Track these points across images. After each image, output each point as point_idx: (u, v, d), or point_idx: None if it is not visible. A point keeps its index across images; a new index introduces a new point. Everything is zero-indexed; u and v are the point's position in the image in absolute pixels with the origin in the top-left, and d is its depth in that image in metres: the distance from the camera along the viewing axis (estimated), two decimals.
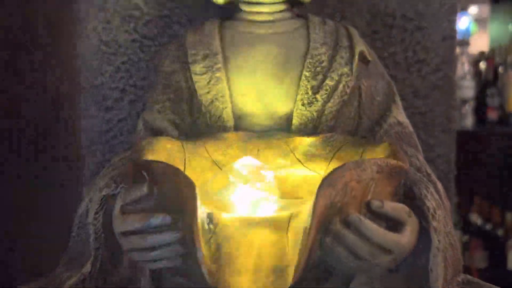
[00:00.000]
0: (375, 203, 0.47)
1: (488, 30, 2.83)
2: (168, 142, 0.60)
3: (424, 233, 0.52)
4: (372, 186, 0.47)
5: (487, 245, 2.03)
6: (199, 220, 0.45)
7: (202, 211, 0.47)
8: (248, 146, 0.64)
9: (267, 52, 0.67)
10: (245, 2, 0.70)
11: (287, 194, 0.57)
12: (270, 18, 0.70)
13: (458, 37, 0.96)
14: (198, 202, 0.45)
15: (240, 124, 0.66)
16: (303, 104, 0.65)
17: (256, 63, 0.66)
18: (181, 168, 0.60)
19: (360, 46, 0.68)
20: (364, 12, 0.86)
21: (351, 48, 0.68)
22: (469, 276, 0.60)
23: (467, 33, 2.53)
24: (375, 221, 0.47)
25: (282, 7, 0.70)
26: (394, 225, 0.49)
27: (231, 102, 0.65)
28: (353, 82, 0.66)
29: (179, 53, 0.70)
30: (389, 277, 0.54)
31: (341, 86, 0.66)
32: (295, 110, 0.65)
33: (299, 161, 0.63)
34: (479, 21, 2.86)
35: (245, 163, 0.57)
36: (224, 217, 0.48)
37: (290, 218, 0.46)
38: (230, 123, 0.65)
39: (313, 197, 0.45)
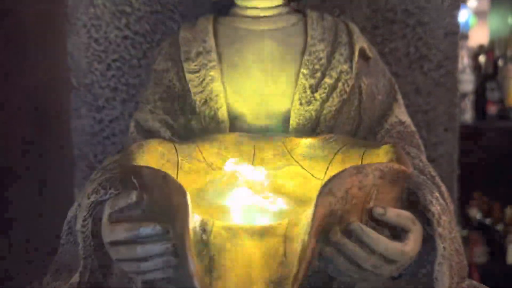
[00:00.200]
0: (378, 211, 0.45)
1: (487, 22, 2.81)
2: (160, 144, 0.58)
3: (428, 239, 0.50)
4: (374, 193, 0.45)
5: (487, 240, 2.02)
6: (191, 230, 0.43)
7: (194, 220, 0.44)
8: (244, 148, 0.62)
9: (263, 49, 0.65)
10: None
11: (284, 198, 0.55)
12: (266, 13, 0.67)
13: None
14: (190, 211, 0.43)
15: (236, 124, 0.64)
16: (301, 104, 0.62)
17: (251, 60, 0.65)
18: (174, 171, 0.58)
19: (360, 42, 0.66)
20: (364, 6, 0.84)
21: (351, 44, 0.66)
22: (474, 282, 0.58)
23: (466, 26, 2.51)
24: (377, 229, 0.45)
25: (279, 1, 0.68)
26: (397, 232, 0.46)
27: (226, 101, 0.63)
28: (353, 80, 0.64)
29: (172, 50, 0.68)
30: (391, 283, 0.52)
31: (340, 84, 0.63)
32: (292, 109, 0.63)
33: (297, 163, 0.61)
34: (479, 13, 2.84)
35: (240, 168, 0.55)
36: (218, 225, 0.45)
37: (288, 227, 0.43)
38: (225, 123, 0.63)
39: (312, 205, 0.42)
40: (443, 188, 0.58)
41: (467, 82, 2.02)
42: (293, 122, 0.63)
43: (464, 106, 2.00)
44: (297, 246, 0.43)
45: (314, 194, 0.55)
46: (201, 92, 0.63)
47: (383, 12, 0.83)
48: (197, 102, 0.63)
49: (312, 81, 0.63)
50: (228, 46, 0.66)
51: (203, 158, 0.61)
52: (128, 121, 0.83)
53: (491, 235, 2.00)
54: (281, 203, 0.51)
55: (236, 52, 0.65)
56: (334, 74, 0.63)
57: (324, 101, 0.63)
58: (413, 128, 0.68)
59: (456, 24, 0.83)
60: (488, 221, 2.07)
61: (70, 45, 0.85)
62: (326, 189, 0.42)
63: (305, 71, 0.63)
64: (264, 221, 0.48)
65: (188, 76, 0.64)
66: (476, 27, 2.78)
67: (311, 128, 0.63)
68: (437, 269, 0.49)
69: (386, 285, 0.52)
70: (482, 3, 2.82)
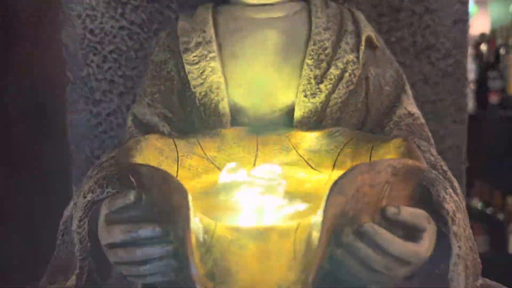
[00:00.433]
0: (391, 210, 0.42)
1: (488, 11, 2.78)
2: (159, 140, 0.56)
3: (441, 238, 0.48)
4: (387, 190, 0.42)
5: (488, 229, 2.02)
6: (192, 232, 0.40)
7: (196, 222, 0.42)
8: (246, 143, 0.60)
9: (265, 39, 0.63)
10: None
11: (288, 195, 0.52)
12: (268, 1, 0.65)
13: None
14: (191, 211, 0.40)
15: (238, 118, 0.62)
16: (305, 96, 0.60)
17: (253, 51, 0.62)
18: (174, 168, 0.56)
19: (367, 30, 0.64)
20: None
21: (357, 33, 0.63)
22: (488, 280, 0.57)
23: None
24: (390, 229, 0.43)
25: None
26: (410, 231, 0.44)
27: (227, 94, 0.61)
28: (359, 70, 0.62)
29: (170, 41, 0.66)
30: (403, 283, 0.50)
31: (346, 75, 0.61)
32: (297, 102, 0.61)
33: (302, 158, 0.59)
34: (479, 2, 2.81)
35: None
36: (221, 226, 0.43)
37: (297, 229, 0.41)
38: (227, 117, 0.61)
39: (321, 204, 0.39)
40: (456, 184, 0.55)
41: (468, 71, 2.01)
42: (297, 115, 0.60)
43: None
44: (306, 249, 0.40)
45: (320, 191, 0.54)
46: (201, 84, 0.61)
47: None
48: (197, 95, 0.61)
49: (317, 72, 0.61)
50: (229, 36, 0.64)
51: (204, 153, 0.59)
52: (126, 114, 0.81)
53: (493, 224, 2.00)
54: (289, 205, 0.48)
55: (237, 42, 0.63)
56: (340, 64, 0.61)
57: (330, 93, 0.61)
58: (422, 120, 0.66)
59: (466, 11, 0.81)
60: (489, 210, 2.08)
61: (64, 36, 0.82)
62: (337, 188, 0.39)
63: (309, 62, 0.61)
64: (271, 221, 0.46)
65: (187, 67, 0.62)
66: (477, 16, 2.76)
67: (316, 122, 0.61)
68: (452, 269, 0.47)
69: (398, 285, 0.50)
70: None
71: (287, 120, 0.61)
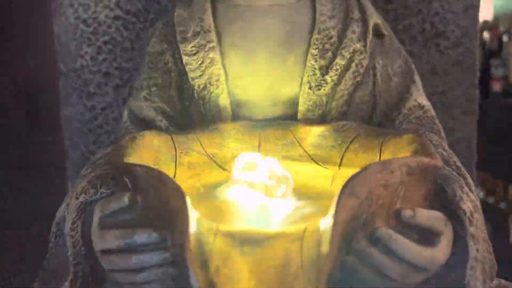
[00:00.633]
0: (406, 213, 0.40)
1: None
2: (155, 137, 0.53)
3: (457, 239, 0.45)
4: (401, 191, 0.39)
5: (490, 218, 2.01)
6: (191, 238, 0.37)
7: (195, 226, 0.39)
8: (248, 138, 0.57)
9: (267, 28, 0.60)
10: None
11: (294, 194, 0.50)
12: None
13: None
14: (190, 216, 0.37)
15: (239, 112, 0.60)
16: (310, 87, 0.58)
17: (255, 40, 0.60)
18: (172, 167, 0.53)
19: (374, 18, 0.62)
20: None
21: (364, 21, 0.61)
22: (503, 281, 0.54)
23: None
24: (405, 233, 0.40)
25: None
26: (427, 234, 0.41)
27: (228, 86, 0.59)
28: (367, 60, 0.60)
29: (167, 31, 0.64)
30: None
31: (353, 65, 0.59)
32: (301, 94, 0.58)
33: (307, 153, 0.56)
34: None
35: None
36: (222, 230, 0.40)
37: (305, 233, 0.38)
38: (227, 110, 0.59)
39: (332, 207, 0.36)
40: (470, 180, 0.52)
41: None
42: (302, 108, 0.58)
43: None
44: (315, 256, 0.37)
45: (326, 189, 0.51)
46: (200, 76, 0.59)
47: None
48: (196, 88, 0.59)
49: (323, 62, 0.58)
50: (229, 25, 0.61)
51: (204, 150, 0.56)
52: (121, 108, 0.80)
53: (494, 213, 1.99)
54: (295, 207, 0.45)
55: (237, 31, 0.61)
56: (347, 54, 0.58)
57: (336, 84, 0.58)
58: (432, 112, 0.63)
59: None
60: (491, 199, 2.06)
61: (56, 27, 0.80)
62: (348, 190, 0.36)
63: (314, 51, 0.58)
64: (276, 225, 0.43)
65: (185, 58, 0.60)
66: (480, 3, 2.73)
67: (322, 115, 0.58)
68: (470, 273, 0.44)
69: None
70: None
71: (291, 114, 0.59)
